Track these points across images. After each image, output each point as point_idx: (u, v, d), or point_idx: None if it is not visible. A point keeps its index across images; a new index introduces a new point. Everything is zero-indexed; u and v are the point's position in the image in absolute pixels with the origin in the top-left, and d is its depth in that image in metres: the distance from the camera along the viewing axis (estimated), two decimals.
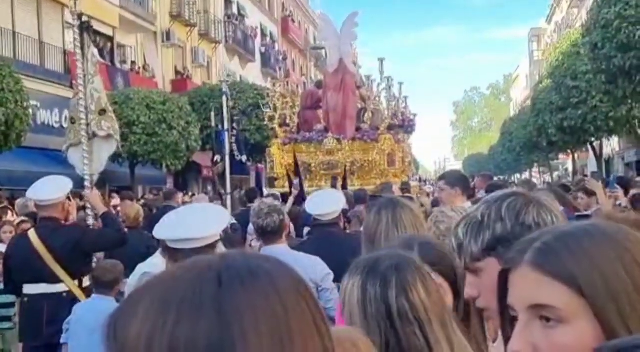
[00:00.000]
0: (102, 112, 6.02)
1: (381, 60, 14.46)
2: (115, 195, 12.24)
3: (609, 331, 0.90)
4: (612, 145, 31.61)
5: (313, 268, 3.89)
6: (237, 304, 0.62)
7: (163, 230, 2.96)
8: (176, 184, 23.12)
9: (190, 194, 21.28)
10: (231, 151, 11.44)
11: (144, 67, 25.62)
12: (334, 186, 10.30)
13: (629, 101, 17.42)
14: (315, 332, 0.64)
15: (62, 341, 4.38)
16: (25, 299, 4.94)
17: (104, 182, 18.09)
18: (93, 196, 5.70)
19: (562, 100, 22.60)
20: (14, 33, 18.25)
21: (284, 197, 8.73)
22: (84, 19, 6.42)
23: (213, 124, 15.92)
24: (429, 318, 1.41)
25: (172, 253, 2.88)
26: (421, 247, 1.79)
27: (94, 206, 5.59)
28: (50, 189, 5.03)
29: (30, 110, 14.69)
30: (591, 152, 28.19)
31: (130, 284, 4.53)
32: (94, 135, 5.98)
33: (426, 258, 1.75)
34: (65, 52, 20.57)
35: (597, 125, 21.78)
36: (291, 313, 0.63)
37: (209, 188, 25.81)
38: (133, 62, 24.98)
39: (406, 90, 15.94)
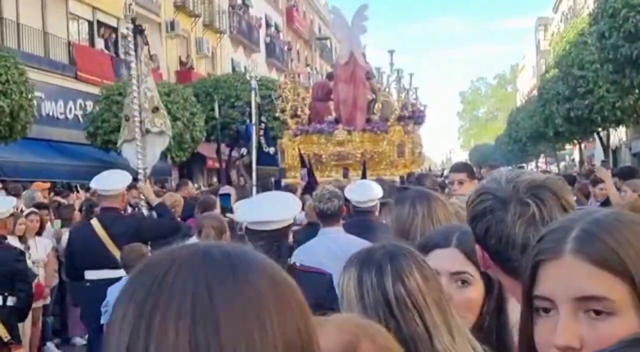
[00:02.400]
0: (155, 109, 6.53)
1: (391, 52, 14.59)
2: None
3: None
4: (619, 135, 31.43)
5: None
6: (168, 288, 0.63)
7: (244, 213, 3.33)
8: (181, 175, 23.11)
9: (196, 185, 21.29)
10: (258, 143, 11.81)
11: (150, 58, 25.54)
12: (345, 176, 10.38)
13: (636, 91, 17.30)
14: (254, 325, 0.63)
15: (102, 322, 4.66)
16: (88, 284, 5.26)
17: None
18: (146, 187, 6.21)
19: (568, 90, 22.46)
20: (18, 24, 18.23)
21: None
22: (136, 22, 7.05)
23: (217, 116, 15.99)
24: (426, 304, 1.41)
25: (252, 234, 3.24)
26: (459, 237, 1.78)
27: (147, 197, 6.06)
28: (112, 181, 5.42)
29: (35, 102, 14.69)
30: (598, 143, 28.07)
31: None
32: (147, 131, 6.46)
33: (464, 249, 1.75)
34: (69, 43, 20.55)
35: (604, 115, 21.64)
36: (219, 301, 0.62)
37: (214, 179, 25.81)
38: None
39: (413, 81, 15.99)
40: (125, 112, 6.82)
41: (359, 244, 3.90)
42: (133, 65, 6.51)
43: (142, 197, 6.50)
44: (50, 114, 18.99)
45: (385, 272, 1.43)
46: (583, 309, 0.91)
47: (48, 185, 12.13)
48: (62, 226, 8.59)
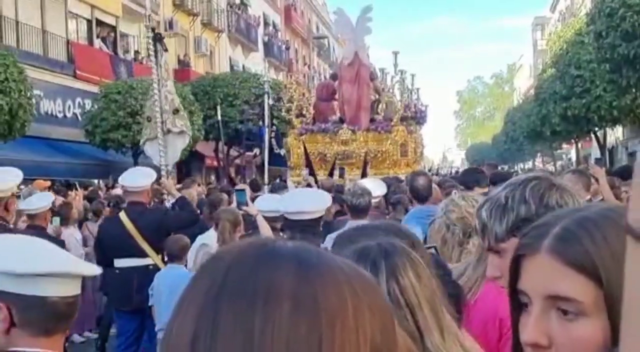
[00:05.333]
0: (176, 111, 7.08)
1: (395, 54, 14.74)
2: (117, 184, 12.34)
3: (616, 327, 0.86)
4: (616, 134, 31.50)
5: None
6: (231, 283, 0.62)
7: (284, 204, 4.03)
8: (179, 174, 23.16)
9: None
10: (270, 145, 12.08)
11: (148, 56, 25.56)
12: (341, 176, 10.49)
13: (633, 90, 17.37)
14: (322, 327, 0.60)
15: (149, 303, 5.24)
16: (117, 271, 5.73)
17: (108, 172, 18.13)
18: (168, 183, 6.72)
19: (565, 90, 22.52)
20: (17, 22, 18.23)
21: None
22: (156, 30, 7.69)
23: (219, 117, 16.12)
24: (419, 302, 1.39)
25: (290, 223, 3.92)
26: None
27: (169, 192, 6.55)
28: (139, 178, 5.88)
29: (34, 100, 14.71)
30: (595, 142, 28.12)
31: (190, 252, 5.39)
32: (169, 131, 7.01)
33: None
34: (68, 42, 20.55)
35: (601, 115, 21.70)
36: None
37: (212, 177, 25.83)
38: (136, 52, 24.93)
39: (414, 81, 16.11)
40: (147, 114, 7.36)
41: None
42: (154, 70, 7.02)
43: (165, 191, 7.02)
44: (49, 112, 18.99)
45: (380, 269, 1.40)
46: (555, 307, 0.90)
47: (49, 183, 12.15)
48: (60, 224, 8.63)
